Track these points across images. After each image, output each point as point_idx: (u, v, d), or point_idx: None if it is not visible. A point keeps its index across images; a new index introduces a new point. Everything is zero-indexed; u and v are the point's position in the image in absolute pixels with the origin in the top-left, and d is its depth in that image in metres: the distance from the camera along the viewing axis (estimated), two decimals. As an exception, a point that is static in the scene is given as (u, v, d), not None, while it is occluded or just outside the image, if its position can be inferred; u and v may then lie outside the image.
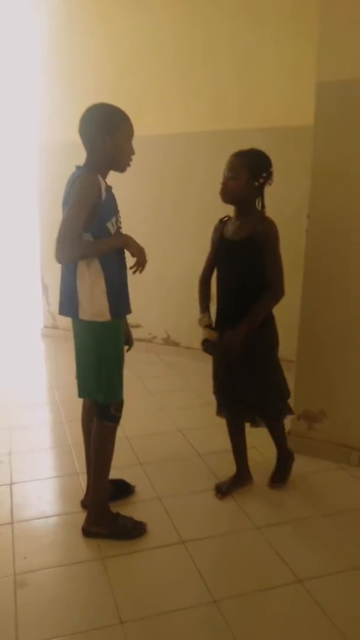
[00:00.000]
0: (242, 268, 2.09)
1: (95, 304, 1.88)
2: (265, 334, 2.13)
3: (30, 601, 1.73)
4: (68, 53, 4.26)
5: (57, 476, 2.51)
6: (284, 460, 2.41)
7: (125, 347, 2.11)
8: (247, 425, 2.34)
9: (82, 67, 4.20)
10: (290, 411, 2.33)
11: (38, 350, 4.64)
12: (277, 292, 2.05)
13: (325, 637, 1.60)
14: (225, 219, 2.18)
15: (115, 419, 2.02)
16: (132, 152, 1.94)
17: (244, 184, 2.01)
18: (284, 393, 2.26)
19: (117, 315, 1.92)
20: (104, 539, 2.01)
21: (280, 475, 2.39)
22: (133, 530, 2.03)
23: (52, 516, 2.20)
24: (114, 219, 1.90)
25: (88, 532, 2.04)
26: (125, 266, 1.99)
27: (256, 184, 2.01)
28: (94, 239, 1.85)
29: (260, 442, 2.52)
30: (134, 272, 1.94)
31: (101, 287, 1.87)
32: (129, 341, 2.17)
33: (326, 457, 2.60)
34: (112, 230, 1.89)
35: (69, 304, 1.93)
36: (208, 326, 2.22)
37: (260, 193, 2.07)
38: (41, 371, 4.15)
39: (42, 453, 2.75)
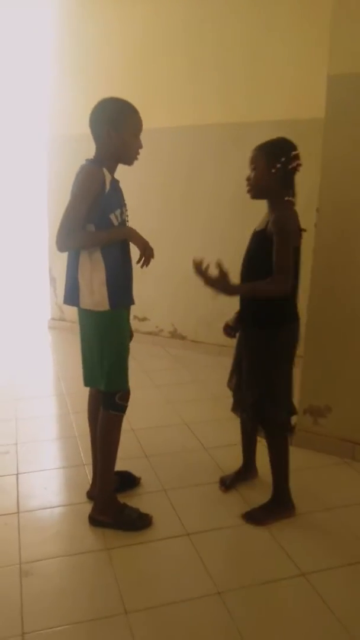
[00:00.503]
0: (249, 261, 2.05)
1: (94, 294, 1.91)
2: (276, 335, 2.01)
3: (36, 590, 1.75)
4: (79, 45, 4.25)
5: (63, 467, 2.53)
6: (272, 503, 2.14)
7: None
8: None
9: (92, 59, 4.19)
10: (289, 429, 2.15)
11: (45, 342, 4.66)
12: (281, 278, 1.88)
13: (328, 630, 1.61)
14: None
15: (121, 408, 2.03)
16: (140, 146, 1.95)
17: (262, 173, 1.94)
18: (285, 405, 2.09)
19: (116, 305, 1.94)
20: (109, 529, 2.03)
21: (257, 513, 2.11)
22: (138, 521, 2.05)
23: (58, 506, 2.22)
24: (118, 212, 1.92)
25: (94, 520, 2.07)
26: (129, 258, 2.00)
27: (273, 170, 1.91)
28: (97, 229, 1.89)
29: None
30: (141, 266, 1.95)
31: (101, 277, 1.90)
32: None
33: (331, 451, 2.60)
34: (116, 223, 1.92)
35: (71, 292, 1.97)
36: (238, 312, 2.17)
37: (286, 180, 1.94)
38: (48, 363, 4.17)
39: (48, 444, 2.77)
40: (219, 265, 1.88)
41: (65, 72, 4.36)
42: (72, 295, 1.97)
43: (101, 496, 2.09)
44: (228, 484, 2.32)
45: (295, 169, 1.95)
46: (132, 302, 2.07)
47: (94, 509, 2.09)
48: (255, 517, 2.10)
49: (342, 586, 1.79)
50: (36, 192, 5.26)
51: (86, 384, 2.11)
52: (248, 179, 1.99)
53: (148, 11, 3.91)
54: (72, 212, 1.83)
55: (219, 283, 1.89)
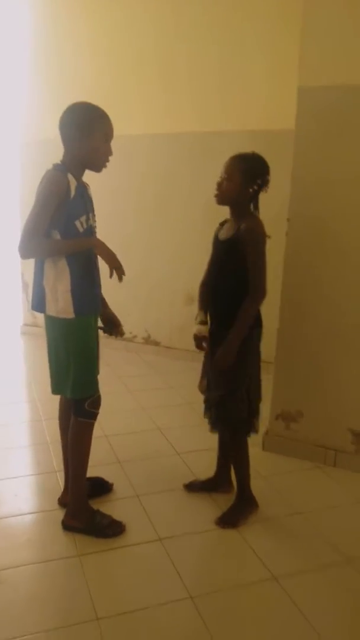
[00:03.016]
0: (222, 268, 2.07)
1: (59, 301, 1.89)
2: (246, 338, 2.03)
3: (6, 598, 1.73)
4: (52, 50, 4.24)
5: (35, 474, 2.50)
6: (238, 502, 2.19)
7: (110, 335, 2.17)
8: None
9: (66, 64, 4.18)
10: (251, 427, 2.14)
11: (17, 347, 4.61)
12: (256, 294, 1.97)
13: (299, 633, 1.62)
14: (224, 221, 2.14)
15: (91, 415, 2.02)
16: (109, 153, 1.92)
17: (237, 188, 1.97)
18: (248, 404, 2.09)
19: (81, 313, 1.91)
20: (81, 535, 2.01)
21: (228, 516, 2.14)
22: (107, 529, 2.03)
23: (29, 513, 2.19)
24: (83, 218, 1.90)
25: (66, 525, 2.06)
26: (96, 265, 1.99)
27: (250, 190, 1.97)
28: (61, 236, 1.85)
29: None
30: (118, 280, 1.91)
31: (65, 284, 1.87)
32: (114, 329, 2.18)
33: (303, 456, 2.64)
34: (81, 229, 1.89)
35: (38, 299, 1.95)
36: (201, 323, 2.17)
37: (254, 198, 2.03)
38: (20, 369, 4.12)
39: (19, 450, 2.74)
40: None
41: (38, 77, 4.34)
42: (38, 302, 1.95)
43: (73, 502, 2.08)
44: (193, 486, 2.34)
45: (263, 192, 2.02)
46: (98, 310, 2.06)
47: (66, 515, 2.08)
48: (228, 520, 2.12)
49: (313, 589, 1.81)
50: (7, 197, 5.21)
51: (54, 391, 2.08)
52: (219, 185, 2.01)
53: (122, 18, 3.93)
54: (35, 219, 1.80)
55: (222, 360, 1.99)
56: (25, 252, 1.84)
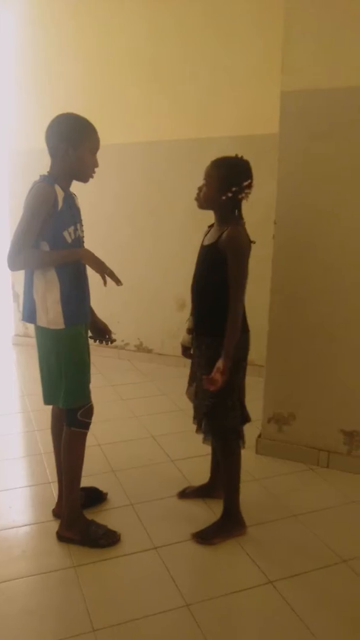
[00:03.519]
0: (201, 274, 2.05)
1: (49, 312, 1.90)
2: (221, 350, 1.95)
3: (2, 611, 1.72)
4: (39, 59, 4.26)
5: (29, 485, 2.49)
6: (222, 520, 2.11)
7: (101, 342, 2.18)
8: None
9: (54, 72, 4.20)
10: (241, 437, 2.09)
11: (9, 358, 4.60)
12: (236, 307, 1.92)
13: (297, 636, 1.62)
14: (212, 224, 2.10)
15: (83, 425, 2.02)
16: (96, 164, 1.93)
17: (212, 194, 1.95)
18: (239, 413, 2.06)
19: (71, 323, 1.92)
20: (76, 546, 2.01)
21: (206, 532, 2.07)
22: (102, 539, 2.02)
23: (23, 525, 2.18)
24: (72, 228, 1.91)
25: (61, 536, 2.05)
26: (85, 275, 2.00)
27: (224, 197, 1.92)
28: (50, 247, 1.86)
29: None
30: (112, 283, 1.91)
31: (55, 295, 1.88)
32: (104, 337, 2.18)
33: (296, 458, 2.64)
34: (69, 240, 1.90)
35: (28, 310, 1.96)
36: (188, 331, 2.19)
37: (233, 206, 1.97)
38: (12, 379, 4.11)
39: (13, 462, 2.72)
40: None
41: (27, 86, 4.35)
42: (29, 313, 1.96)
43: (67, 512, 2.07)
44: (186, 493, 2.34)
45: (243, 199, 1.96)
46: (87, 318, 2.07)
47: (61, 526, 2.07)
48: (205, 536, 2.06)
49: (309, 592, 1.81)
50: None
51: (46, 401, 2.08)
52: (199, 189, 2.00)
53: (110, 28, 3.95)
54: (23, 231, 1.81)
55: (221, 374, 1.91)
56: (13, 265, 1.85)
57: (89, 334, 2.15)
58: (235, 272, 1.92)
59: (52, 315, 1.90)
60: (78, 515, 2.07)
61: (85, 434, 2.04)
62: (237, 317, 1.93)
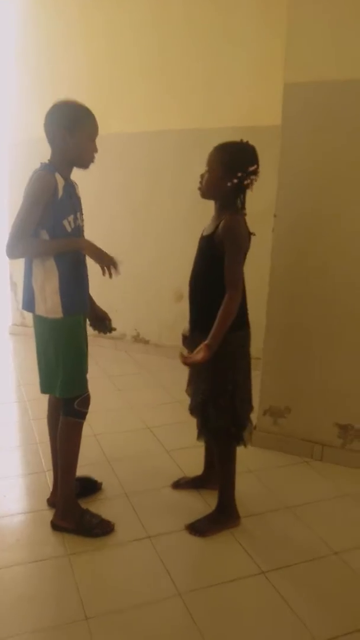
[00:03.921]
0: (199, 264, 2.00)
1: (47, 301, 1.90)
2: (226, 341, 1.90)
3: (-5, 599, 1.73)
4: (40, 47, 4.22)
5: (24, 474, 2.50)
6: (216, 513, 2.11)
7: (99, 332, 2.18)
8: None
9: (54, 62, 4.16)
10: (236, 438, 2.05)
11: (6, 347, 4.59)
12: (231, 294, 1.85)
13: (288, 627, 1.64)
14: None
15: (80, 415, 2.02)
16: (95, 150, 1.92)
17: (216, 180, 1.87)
18: (232, 414, 2.00)
19: (70, 313, 1.92)
20: (70, 535, 2.02)
21: (200, 524, 2.07)
22: (96, 528, 2.03)
23: (18, 514, 2.19)
24: (71, 217, 1.91)
25: (56, 525, 2.06)
26: (84, 265, 2.00)
27: (229, 183, 1.84)
28: (50, 236, 1.86)
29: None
30: (109, 276, 1.92)
31: (54, 284, 1.88)
32: (103, 325, 2.18)
33: (291, 451, 2.66)
34: (69, 228, 1.90)
35: (27, 298, 1.96)
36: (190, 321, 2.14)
37: (237, 193, 1.89)
38: (9, 369, 4.11)
39: (8, 451, 2.73)
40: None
41: (26, 76, 4.32)
42: (28, 302, 1.96)
43: (62, 502, 2.08)
44: (180, 484, 2.35)
45: (248, 185, 1.89)
46: (86, 308, 2.07)
47: (55, 515, 2.08)
48: (198, 528, 2.06)
49: (301, 583, 1.83)
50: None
51: (43, 390, 2.08)
52: (201, 177, 1.94)
53: (110, 17, 3.92)
54: (23, 219, 1.80)
55: (200, 356, 1.85)
56: (12, 253, 1.85)
57: (88, 322, 2.15)
58: (230, 258, 1.86)
59: (50, 304, 1.90)
60: (73, 505, 2.08)
61: (81, 424, 2.05)
62: (232, 309, 1.86)
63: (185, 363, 1.92)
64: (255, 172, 1.87)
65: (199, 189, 1.96)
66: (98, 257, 1.89)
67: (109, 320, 2.20)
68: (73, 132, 1.85)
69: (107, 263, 1.90)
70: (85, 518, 2.05)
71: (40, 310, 1.93)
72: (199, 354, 1.86)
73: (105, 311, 2.21)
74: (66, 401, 2.01)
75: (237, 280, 1.87)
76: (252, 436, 2.12)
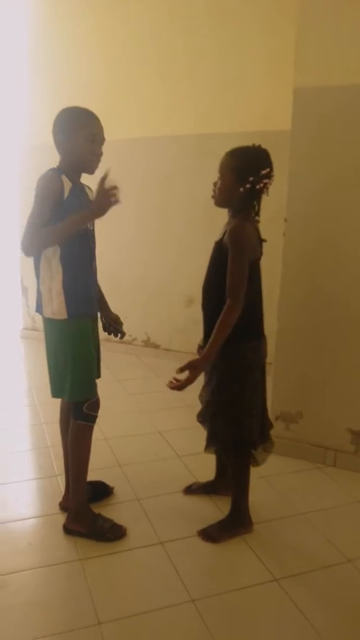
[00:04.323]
0: (209, 271, 1.97)
1: (53, 302, 1.92)
2: (239, 353, 1.90)
3: (8, 603, 1.73)
4: (52, 54, 4.25)
5: (36, 478, 2.50)
6: (229, 519, 2.08)
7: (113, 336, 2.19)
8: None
9: (65, 68, 4.20)
10: (246, 455, 2.01)
11: (17, 351, 4.61)
12: (228, 303, 1.81)
13: (301, 635, 1.63)
14: None
15: (90, 419, 2.02)
16: (97, 153, 1.92)
17: (229, 187, 1.84)
18: (244, 430, 1.95)
19: (74, 314, 1.92)
20: (82, 539, 2.02)
21: (212, 530, 2.05)
22: (109, 532, 2.03)
23: (30, 518, 2.19)
24: None
25: (68, 529, 2.06)
26: (90, 268, 2.00)
27: (241, 189, 1.81)
28: None
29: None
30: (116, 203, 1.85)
31: (58, 286, 1.90)
32: (115, 330, 2.18)
33: (303, 457, 2.64)
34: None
35: (37, 301, 1.99)
36: None
37: (251, 199, 1.86)
38: (20, 373, 4.12)
39: (20, 455, 2.74)
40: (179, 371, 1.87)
41: (38, 81, 4.35)
42: (38, 304, 1.99)
43: (74, 505, 2.08)
44: (192, 489, 2.34)
45: (262, 190, 1.85)
46: (93, 311, 2.06)
47: (67, 518, 2.09)
48: (211, 534, 2.04)
49: (314, 590, 1.81)
50: (7, 202, 5.22)
51: (53, 394, 2.09)
52: (215, 185, 1.92)
53: (121, 23, 3.94)
54: (34, 218, 1.83)
55: (193, 369, 1.83)
56: (28, 249, 1.87)
57: (100, 326, 2.16)
58: (231, 269, 1.81)
59: (55, 305, 1.92)
60: (84, 509, 2.08)
61: (91, 428, 2.05)
62: (228, 319, 1.80)
63: (171, 388, 1.87)
64: (268, 176, 1.84)
65: (213, 197, 1.94)
66: (105, 207, 1.83)
67: (121, 324, 2.21)
68: (71, 134, 1.87)
69: (112, 196, 1.82)
70: (98, 522, 2.05)
71: (47, 312, 1.95)
72: (185, 376, 1.82)
73: (118, 315, 2.21)
74: (76, 405, 2.01)
75: (237, 289, 1.81)
76: (268, 455, 2.07)
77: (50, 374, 2.06)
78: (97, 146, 1.92)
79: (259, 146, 1.89)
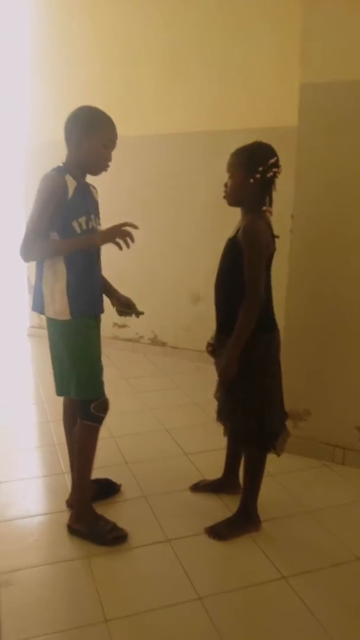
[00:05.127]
0: (222, 267, 1.99)
1: (56, 302, 1.90)
2: (253, 345, 1.90)
3: (15, 600, 1.73)
4: (57, 52, 4.26)
5: (43, 475, 2.50)
6: (237, 517, 2.08)
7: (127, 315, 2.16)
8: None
9: (71, 66, 4.20)
10: (266, 446, 2.01)
11: (24, 349, 4.62)
12: (250, 298, 1.85)
13: (309, 633, 1.61)
14: None
15: (97, 419, 1.99)
16: (109, 159, 1.92)
17: (240, 182, 1.88)
18: (261, 419, 1.97)
19: (78, 315, 1.91)
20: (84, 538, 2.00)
21: (220, 527, 2.05)
22: (108, 534, 1.98)
23: (37, 515, 2.19)
24: (82, 219, 1.89)
25: (71, 528, 2.05)
26: (95, 266, 1.99)
27: (251, 180, 1.85)
28: (60, 237, 1.86)
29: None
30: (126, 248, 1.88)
31: (62, 286, 1.88)
32: (132, 310, 2.15)
33: (311, 455, 2.62)
34: (79, 230, 1.88)
35: (37, 300, 1.97)
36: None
37: (263, 190, 1.89)
38: (27, 371, 4.13)
39: (27, 452, 2.74)
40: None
41: (43, 80, 4.36)
42: (37, 303, 1.96)
43: (77, 505, 2.07)
44: (199, 486, 2.33)
45: (273, 177, 1.89)
46: (97, 310, 2.03)
47: (70, 517, 2.07)
48: (218, 532, 2.03)
49: (323, 588, 1.80)
50: (13, 201, 5.22)
51: (58, 392, 2.08)
52: (226, 186, 1.95)
53: (127, 20, 3.94)
54: (34, 221, 1.81)
55: (224, 370, 1.91)
56: (26, 256, 1.86)
57: (115, 310, 2.14)
58: (249, 262, 1.85)
59: (58, 305, 1.90)
60: (87, 508, 2.06)
61: (97, 429, 2.02)
62: (251, 308, 1.85)
63: (224, 379, 1.93)
64: (276, 165, 1.89)
65: (224, 197, 1.96)
66: (111, 239, 1.85)
67: (134, 305, 2.16)
68: (90, 135, 1.85)
69: (122, 237, 1.85)
70: (99, 524, 2.02)
71: (50, 312, 1.93)
72: (230, 368, 1.89)
73: (128, 297, 2.17)
74: (82, 403, 1.99)
75: (256, 284, 1.86)
76: (285, 445, 2.07)
77: (55, 372, 2.06)
78: (109, 152, 1.92)
79: (261, 142, 1.93)
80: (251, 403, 1.97)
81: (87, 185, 1.98)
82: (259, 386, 1.96)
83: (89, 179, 2.00)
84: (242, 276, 1.87)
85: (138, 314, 2.15)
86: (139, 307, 2.13)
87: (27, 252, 1.84)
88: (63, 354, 1.98)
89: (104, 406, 2.01)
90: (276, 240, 1.96)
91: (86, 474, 2.06)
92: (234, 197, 1.94)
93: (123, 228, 1.86)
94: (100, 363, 2.03)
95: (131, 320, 2.22)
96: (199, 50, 3.73)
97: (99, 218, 2.03)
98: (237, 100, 3.64)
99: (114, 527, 2.02)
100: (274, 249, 1.95)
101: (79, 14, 4.10)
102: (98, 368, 2.01)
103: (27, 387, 3.72)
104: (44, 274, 1.91)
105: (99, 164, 1.92)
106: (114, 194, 4.01)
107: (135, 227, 1.86)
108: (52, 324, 1.96)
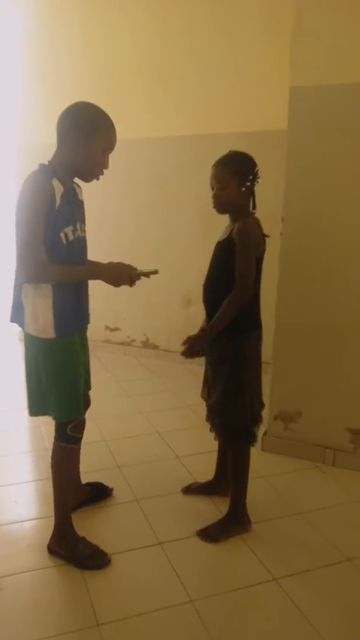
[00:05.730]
0: (213, 269, 2.05)
1: (39, 319, 1.73)
2: (241, 343, 1.99)
3: (7, 605, 1.72)
4: (48, 53, 4.24)
5: (34, 480, 2.50)
6: (227, 518, 2.10)
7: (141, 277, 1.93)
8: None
9: (62, 67, 4.19)
10: (252, 437, 2.07)
11: (16, 354, 4.60)
12: (237, 295, 1.91)
13: (301, 634, 1.62)
14: None
15: (73, 440, 1.88)
16: (105, 166, 1.78)
17: (235, 193, 1.95)
18: (250, 411, 2.04)
19: (63, 333, 1.75)
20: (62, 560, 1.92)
21: (212, 529, 2.06)
22: (87, 560, 1.87)
23: (29, 520, 2.19)
24: (69, 229, 1.73)
25: (50, 549, 1.95)
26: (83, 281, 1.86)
27: (243, 189, 1.95)
28: (47, 249, 1.68)
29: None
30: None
31: (46, 301, 1.71)
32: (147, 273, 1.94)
33: (302, 456, 2.64)
34: (65, 242, 1.72)
35: (17, 312, 1.81)
36: (202, 329, 2.12)
37: (250, 194, 2.00)
38: (18, 375, 4.11)
39: (19, 457, 2.73)
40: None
41: (34, 81, 4.35)
42: (17, 315, 1.81)
43: (57, 527, 1.96)
44: (191, 489, 2.34)
45: (257, 182, 2.00)
46: (86, 322, 1.91)
47: (51, 539, 1.96)
48: (210, 534, 2.04)
49: (314, 589, 1.81)
50: (5, 202, 5.21)
51: (32, 412, 1.92)
52: (215, 197, 1.98)
53: (117, 22, 3.94)
54: (31, 233, 1.63)
55: (196, 343, 1.98)
56: (33, 278, 1.70)
57: (144, 272, 1.94)
58: (241, 258, 1.91)
59: (42, 323, 1.73)
60: (66, 531, 1.94)
61: (74, 450, 1.93)
62: (237, 299, 1.92)
63: (186, 356, 2.00)
64: (257, 174, 1.99)
65: (214, 207, 2.00)
66: (117, 284, 1.79)
67: (135, 268, 1.92)
68: (90, 138, 1.69)
69: (130, 283, 1.82)
70: (79, 547, 1.90)
71: (30, 328, 1.76)
72: (197, 344, 1.98)
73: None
74: (59, 426, 1.87)
75: (246, 278, 1.92)
76: (259, 433, 2.15)
77: (30, 391, 1.88)
78: (107, 158, 1.77)
79: (239, 151, 2.00)
80: (242, 397, 2.02)
81: (73, 189, 1.82)
82: (249, 380, 2.03)
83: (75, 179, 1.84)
84: (231, 277, 1.92)
85: (148, 274, 1.95)
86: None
87: (33, 276, 1.68)
88: (42, 373, 1.81)
89: (81, 427, 1.90)
90: (266, 241, 2.01)
91: (64, 496, 1.95)
92: (227, 206, 2.00)
93: (133, 272, 1.82)
94: (81, 382, 1.88)
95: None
96: (191, 54, 3.74)
97: (84, 224, 1.87)
98: (229, 104, 3.66)
99: (95, 552, 1.90)
100: (264, 249, 2.00)
101: (70, 17, 4.10)
102: (79, 389, 1.86)
103: (19, 391, 3.70)
104: (24, 286, 1.75)
105: (94, 171, 1.77)
106: (106, 198, 4.03)
107: (155, 272, 1.83)
108: (32, 340, 1.79)
